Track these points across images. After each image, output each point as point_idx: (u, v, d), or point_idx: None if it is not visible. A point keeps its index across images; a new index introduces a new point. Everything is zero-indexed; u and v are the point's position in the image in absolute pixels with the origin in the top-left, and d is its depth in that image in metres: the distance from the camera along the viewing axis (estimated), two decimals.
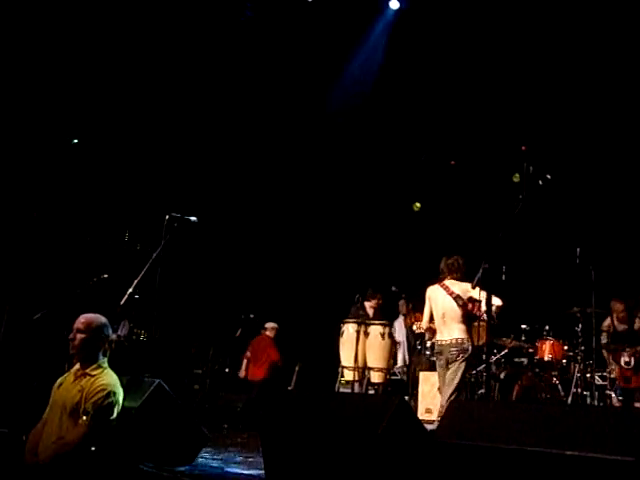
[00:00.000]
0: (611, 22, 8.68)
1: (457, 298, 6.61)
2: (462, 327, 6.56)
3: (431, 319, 6.87)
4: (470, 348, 6.48)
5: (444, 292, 6.71)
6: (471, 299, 6.55)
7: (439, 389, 6.91)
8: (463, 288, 6.64)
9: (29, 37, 8.79)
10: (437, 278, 6.93)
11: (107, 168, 10.00)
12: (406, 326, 9.40)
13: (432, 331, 9.07)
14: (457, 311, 6.58)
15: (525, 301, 8.60)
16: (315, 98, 10.12)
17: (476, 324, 6.47)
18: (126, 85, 9.61)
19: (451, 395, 6.36)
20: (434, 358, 8.46)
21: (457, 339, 6.53)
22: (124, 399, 4.52)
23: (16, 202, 9.40)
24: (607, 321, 8.01)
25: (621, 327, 7.95)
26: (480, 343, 6.51)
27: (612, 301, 8.05)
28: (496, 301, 6.20)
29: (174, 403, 4.95)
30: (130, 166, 10.10)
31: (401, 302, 9.55)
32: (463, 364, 6.47)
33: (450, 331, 6.60)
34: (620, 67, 8.94)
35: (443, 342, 6.65)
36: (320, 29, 9.50)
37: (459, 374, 6.45)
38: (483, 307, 6.21)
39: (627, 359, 7.50)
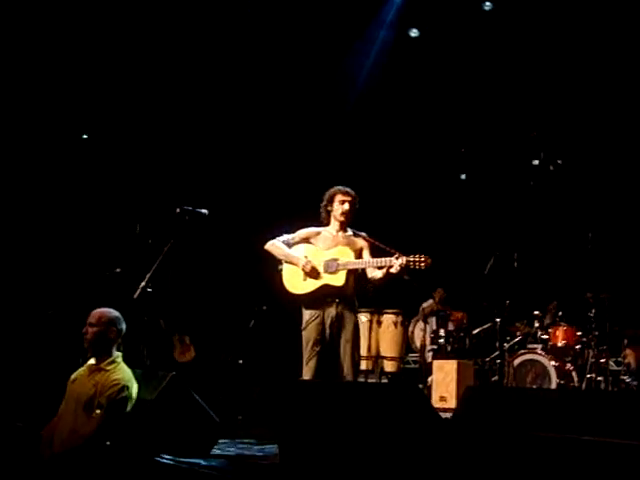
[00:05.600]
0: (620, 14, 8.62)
1: None
2: None
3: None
4: None
5: None
6: None
7: None
8: None
9: (33, 35, 8.78)
10: None
11: (117, 162, 10.00)
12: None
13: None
14: None
15: (538, 287, 8.57)
16: (325, 89, 10.09)
17: None
18: (135, 78, 9.59)
19: None
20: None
21: None
22: (139, 392, 4.56)
23: (28, 196, 9.42)
24: None
25: None
26: None
27: None
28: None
29: (189, 395, 4.97)
30: (140, 159, 10.10)
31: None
32: None
33: None
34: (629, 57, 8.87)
35: None
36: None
37: None
38: None
39: None
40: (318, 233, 5.73)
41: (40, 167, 9.54)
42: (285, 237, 5.71)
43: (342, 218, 5.65)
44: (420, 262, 5.20)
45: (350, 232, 5.71)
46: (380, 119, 10.47)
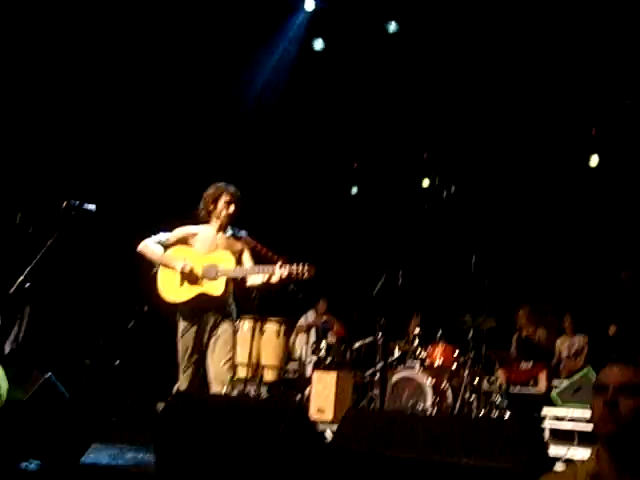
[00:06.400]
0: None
1: None
2: None
3: None
4: None
5: None
6: None
7: None
8: None
9: None
10: None
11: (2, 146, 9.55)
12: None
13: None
14: None
15: (419, 306, 8.79)
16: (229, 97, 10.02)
17: None
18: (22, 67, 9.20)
19: None
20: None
21: None
22: (10, 392, 4.34)
23: None
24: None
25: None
26: None
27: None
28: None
29: (63, 397, 4.79)
30: (28, 148, 9.68)
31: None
32: None
33: None
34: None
35: None
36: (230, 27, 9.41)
37: None
38: None
39: None
40: (196, 234, 5.43)
41: None
42: (160, 236, 5.40)
43: (227, 220, 5.41)
44: (303, 272, 5.06)
45: (230, 232, 5.45)
46: (278, 128, 10.49)
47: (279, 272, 5.07)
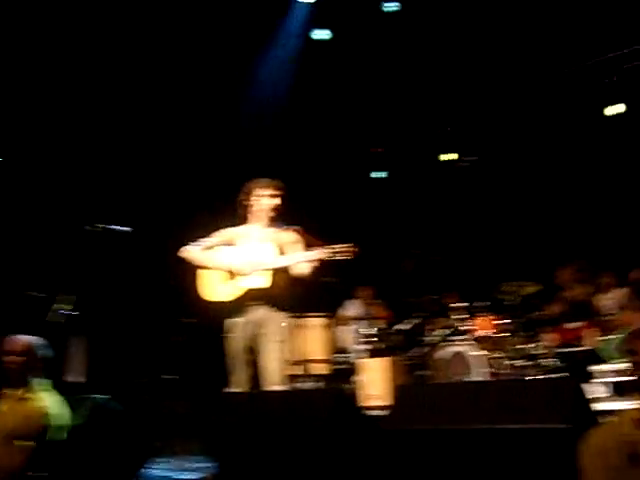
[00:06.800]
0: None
1: None
2: None
3: None
4: None
5: None
6: None
7: None
8: None
9: None
10: None
11: (32, 183, 9.71)
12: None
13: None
14: None
15: (457, 280, 8.77)
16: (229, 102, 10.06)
17: None
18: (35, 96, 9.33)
19: None
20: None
21: None
22: (67, 418, 4.46)
23: None
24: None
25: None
26: None
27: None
28: None
29: (120, 417, 4.89)
30: (54, 179, 9.83)
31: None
32: None
33: None
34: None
35: None
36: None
37: None
38: None
39: None
40: (239, 232, 5.36)
41: None
42: (203, 241, 5.34)
43: (268, 214, 5.28)
44: (347, 251, 4.91)
45: (277, 227, 5.32)
46: (295, 121, 10.49)
47: (322, 254, 4.96)
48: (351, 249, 4.92)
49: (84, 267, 5.37)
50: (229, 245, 5.35)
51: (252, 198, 5.32)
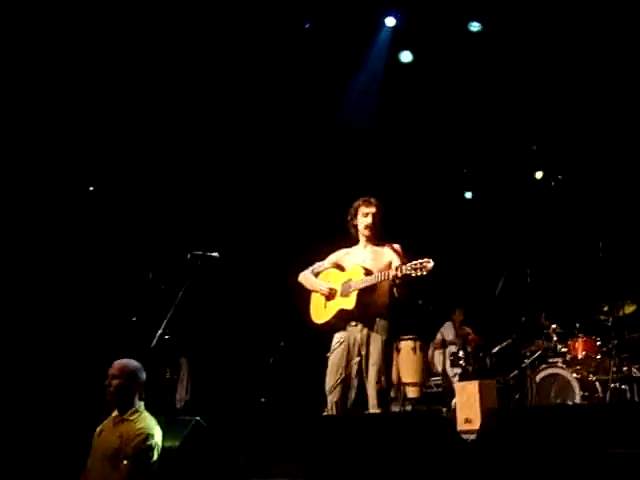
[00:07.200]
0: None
1: None
2: None
3: None
4: None
5: None
6: None
7: None
8: None
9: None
10: None
11: (125, 212, 10.06)
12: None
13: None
14: None
15: (552, 302, 8.56)
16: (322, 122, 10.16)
17: None
18: (137, 126, 9.66)
19: None
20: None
21: None
22: (163, 440, 4.58)
23: (42, 250, 9.45)
24: None
25: None
26: None
27: None
28: None
29: (214, 439, 4.97)
30: (148, 207, 10.15)
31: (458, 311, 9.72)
32: None
33: None
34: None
35: None
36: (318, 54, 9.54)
37: None
38: None
39: None
40: (348, 254, 5.43)
41: (52, 221, 9.60)
42: (316, 265, 5.48)
43: (367, 232, 5.32)
44: (421, 266, 4.78)
45: (379, 244, 5.35)
46: (382, 143, 10.51)
47: (398, 271, 4.91)
48: (425, 264, 4.80)
49: (189, 293, 5.51)
50: (337, 267, 5.44)
51: (352, 218, 5.41)
